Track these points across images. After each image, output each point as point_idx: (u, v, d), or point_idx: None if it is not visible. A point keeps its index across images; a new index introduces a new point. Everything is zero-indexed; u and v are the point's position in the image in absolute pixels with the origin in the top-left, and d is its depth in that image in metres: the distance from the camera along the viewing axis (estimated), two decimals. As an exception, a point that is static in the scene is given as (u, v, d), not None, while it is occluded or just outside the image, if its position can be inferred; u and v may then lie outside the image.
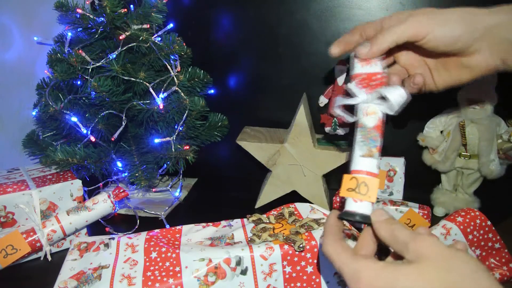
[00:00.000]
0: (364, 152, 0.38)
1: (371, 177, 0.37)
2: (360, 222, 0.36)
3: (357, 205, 0.37)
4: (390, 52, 0.45)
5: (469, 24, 0.40)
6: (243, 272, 0.50)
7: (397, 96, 0.38)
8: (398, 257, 0.34)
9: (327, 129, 0.82)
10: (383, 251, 0.36)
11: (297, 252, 0.50)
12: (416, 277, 0.30)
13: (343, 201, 0.38)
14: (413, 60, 0.48)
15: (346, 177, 0.39)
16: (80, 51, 0.70)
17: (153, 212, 0.78)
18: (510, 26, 0.40)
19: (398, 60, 0.49)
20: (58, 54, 0.72)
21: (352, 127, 0.83)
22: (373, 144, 0.38)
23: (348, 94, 0.41)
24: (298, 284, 0.51)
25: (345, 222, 0.56)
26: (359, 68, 0.41)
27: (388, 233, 0.34)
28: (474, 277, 0.29)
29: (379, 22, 0.45)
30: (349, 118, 0.43)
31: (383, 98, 0.39)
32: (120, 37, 0.71)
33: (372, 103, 0.39)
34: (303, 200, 0.80)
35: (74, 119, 0.70)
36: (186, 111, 0.74)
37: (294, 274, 0.51)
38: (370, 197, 0.37)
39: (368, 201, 0.37)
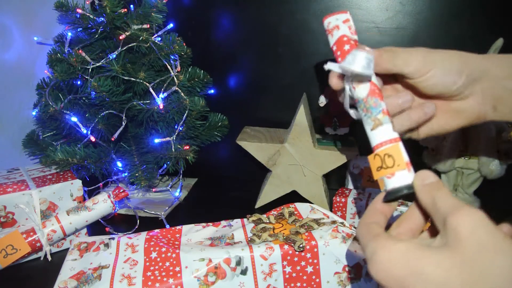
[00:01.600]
0: (372, 125, 0.35)
1: (390, 145, 0.33)
2: (407, 195, 0.32)
3: (392, 181, 0.33)
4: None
5: (467, 66, 0.38)
6: (243, 272, 0.50)
7: (363, 60, 0.35)
8: (435, 233, 0.28)
9: (327, 129, 0.82)
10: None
11: (297, 252, 0.50)
12: (447, 268, 0.24)
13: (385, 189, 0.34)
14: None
15: (370, 158, 0.35)
16: (80, 51, 0.70)
17: (153, 212, 0.78)
18: (503, 71, 0.38)
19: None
20: (58, 54, 0.72)
21: (351, 127, 0.83)
22: (376, 111, 0.35)
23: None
24: (298, 284, 0.51)
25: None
26: (330, 40, 0.39)
27: (429, 199, 0.29)
28: None
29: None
30: (354, 114, 0.39)
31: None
32: (120, 37, 0.71)
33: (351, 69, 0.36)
34: (303, 200, 0.80)
35: (74, 119, 0.70)
36: (186, 111, 0.74)
37: (294, 274, 0.51)
38: (400, 165, 0.32)
39: (400, 170, 0.33)
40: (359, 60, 0.34)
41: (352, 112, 0.38)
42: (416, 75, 0.37)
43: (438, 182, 0.30)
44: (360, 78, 0.36)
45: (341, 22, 0.39)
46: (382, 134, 0.34)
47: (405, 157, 0.33)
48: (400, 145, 0.34)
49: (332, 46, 0.40)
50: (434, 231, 0.30)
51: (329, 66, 0.36)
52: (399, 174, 0.33)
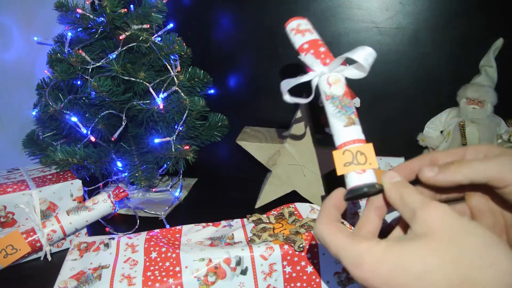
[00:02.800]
0: (346, 122, 0.35)
1: (363, 144, 0.34)
2: (371, 194, 0.33)
3: (361, 177, 0.33)
4: (461, 188, 0.35)
5: None
6: (243, 272, 0.50)
7: (367, 55, 0.36)
8: (406, 227, 0.30)
9: (327, 129, 0.82)
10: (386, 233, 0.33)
11: (297, 252, 0.50)
12: (424, 255, 0.26)
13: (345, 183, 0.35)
14: (485, 206, 0.35)
15: (337, 153, 0.36)
16: (80, 51, 0.70)
17: (153, 212, 0.78)
18: None
19: (468, 200, 0.37)
20: (58, 54, 0.72)
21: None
22: (350, 111, 0.36)
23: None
24: (298, 284, 0.51)
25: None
26: (300, 38, 0.39)
27: (398, 196, 0.30)
28: (489, 253, 0.25)
29: (462, 151, 0.35)
30: (302, 100, 0.39)
31: (344, 64, 0.36)
32: (120, 37, 0.71)
33: (333, 72, 0.36)
34: (303, 200, 0.80)
35: (74, 119, 0.70)
36: (186, 111, 0.74)
37: (294, 274, 0.51)
38: (371, 164, 0.34)
39: (371, 168, 0.34)
40: (370, 57, 0.36)
41: (288, 98, 0.40)
42: (499, 185, 0.31)
43: (404, 181, 0.32)
44: (339, 79, 0.36)
45: (311, 28, 0.41)
46: (355, 133, 0.35)
47: (375, 158, 0.34)
48: (372, 146, 0.35)
49: (303, 44, 0.40)
50: (405, 227, 0.31)
51: (336, 64, 0.36)
52: (369, 172, 0.34)
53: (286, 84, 0.39)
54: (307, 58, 0.38)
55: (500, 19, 0.78)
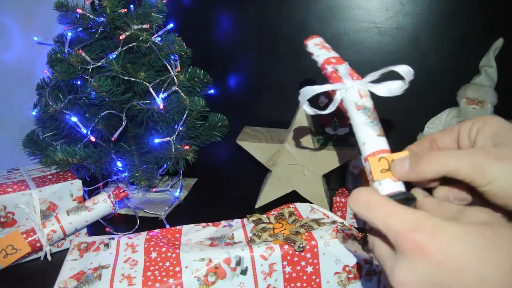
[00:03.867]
0: (378, 132, 0.36)
1: (396, 154, 0.35)
2: (408, 201, 0.33)
3: (397, 184, 0.33)
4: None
5: None
6: (243, 272, 0.50)
7: (410, 73, 0.35)
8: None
9: (327, 129, 0.82)
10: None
11: (297, 252, 0.50)
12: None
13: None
14: (460, 195, 0.33)
15: (372, 160, 0.35)
16: (80, 51, 0.70)
17: (153, 212, 0.78)
18: None
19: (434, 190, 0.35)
20: (58, 54, 0.72)
21: (351, 127, 0.83)
22: (379, 124, 0.37)
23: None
24: (298, 284, 0.51)
25: (345, 223, 0.56)
26: (325, 53, 0.40)
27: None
28: None
29: (456, 129, 0.34)
30: (321, 112, 0.39)
31: (374, 82, 0.37)
32: (120, 37, 0.71)
33: (365, 87, 0.37)
34: (303, 200, 0.80)
35: (74, 119, 0.70)
36: (186, 111, 0.74)
37: (294, 274, 0.51)
38: None
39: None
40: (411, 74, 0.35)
41: (307, 108, 0.40)
42: (475, 183, 0.29)
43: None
44: (367, 93, 0.38)
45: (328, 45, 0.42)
46: (386, 144, 0.36)
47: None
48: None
49: (330, 58, 0.41)
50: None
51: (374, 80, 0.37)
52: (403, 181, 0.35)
53: (309, 91, 0.38)
54: (339, 68, 0.38)
55: (500, 19, 0.78)
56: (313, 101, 0.83)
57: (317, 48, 0.41)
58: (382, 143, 0.36)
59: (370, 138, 0.36)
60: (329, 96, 0.80)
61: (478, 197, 0.31)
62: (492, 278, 0.24)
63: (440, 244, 0.24)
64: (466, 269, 0.24)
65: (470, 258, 0.24)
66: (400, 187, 0.33)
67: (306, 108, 0.39)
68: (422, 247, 0.25)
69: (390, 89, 0.38)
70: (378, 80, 0.38)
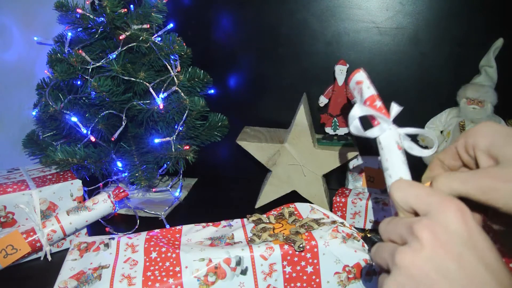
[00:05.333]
0: (409, 174, 0.37)
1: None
2: None
3: None
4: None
5: None
6: (243, 272, 0.50)
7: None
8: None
9: (327, 129, 0.82)
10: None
11: (297, 252, 0.50)
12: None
13: None
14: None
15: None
16: (80, 51, 0.70)
17: (153, 212, 0.78)
18: None
19: None
20: (58, 54, 0.72)
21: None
22: None
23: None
24: (298, 284, 0.51)
25: (346, 224, 0.56)
26: (373, 90, 0.41)
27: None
28: None
29: (453, 147, 0.35)
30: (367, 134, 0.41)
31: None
32: (120, 37, 0.71)
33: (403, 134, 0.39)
34: (303, 200, 0.80)
35: (74, 119, 0.70)
36: (186, 111, 0.74)
37: (294, 274, 0.51)
38: None
39: None
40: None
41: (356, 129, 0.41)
42: (488, 203, 0.30)
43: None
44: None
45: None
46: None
47: None
48: None
49: (376, 95, 0.41)
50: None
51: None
52: None
53: (357, 113, 0.39)
54: (393, 106, 0.40)
55: (500, 19, 0.78)
56: (314, 102, 0.83)
57: (368, 83, 0.42)
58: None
59: (408, 176, 0.37)
60: (329, 95, 0.80)
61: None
62: None
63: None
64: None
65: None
66: None
67: (353, 129, 0.40)
68: (459, 211, 0.27)
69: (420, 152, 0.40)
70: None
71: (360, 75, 0.42)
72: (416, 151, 0.39)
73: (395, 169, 0.37)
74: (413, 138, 0.84)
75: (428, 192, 0.29)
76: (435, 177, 0.32)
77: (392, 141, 0.39)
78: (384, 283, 0.28)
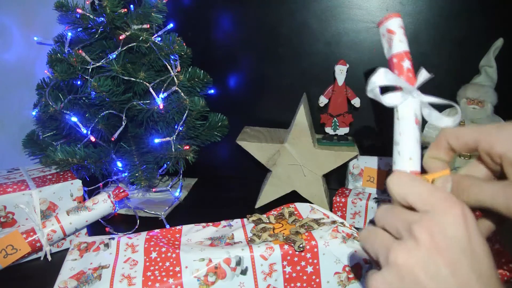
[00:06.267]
0: (422, 153, 0.35)
1: (437, 173, 0.34)
2: None
3: None
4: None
5: None
6: (243, 272, 0.50)
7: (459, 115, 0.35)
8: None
9: (327, 129, 0.82)
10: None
11: (297, 252, 0.50)
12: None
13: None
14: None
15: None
16: (80, 51, 0.70)
17: (153, 212, 0.78)
18: None
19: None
20: (58, 54, 0.72)
21: (351, 127, 0.83)
22: None
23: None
24: (298, 284, 0.51)
25: (345, 223, 0.56)
26: (406, 43, 0.36)
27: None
28: None
29: (473, 140, 0.32)
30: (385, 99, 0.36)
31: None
32: (120, 37, 0.71)
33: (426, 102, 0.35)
34: (303, 200, 0.80)
35: (74, 119, 0.70)
36: (186, 111, 0.74)
37: (294, 274, 0.51)
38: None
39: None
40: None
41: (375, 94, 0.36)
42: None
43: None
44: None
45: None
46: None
47: None
48: None
49: (408, 53, 0.37)
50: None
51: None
52: None
53: (378, 81, 0.34)
54: (422, 71, 0.35)
55: (500, 19, 0.78)
56: (314, 102, 0.83)
57: (402, 32, 0.36)
58: (421, 165, 0.34)
59: (418, 157, 0.34)
60: (329, 95, 0.80)
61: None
62: None
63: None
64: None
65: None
66: None
67: (370, 94, 0.35)
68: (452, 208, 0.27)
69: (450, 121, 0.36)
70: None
71: (395, 22, 0.36)
72: (435, 118, 0.35)
73: (406, 146, 0.34)
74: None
75: (430, 191, 0.28)
76: (467, 186, 0.30)
77: (411, 113, 0.35)
78: (372, 278, 0.28)
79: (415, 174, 0.34)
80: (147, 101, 0.73)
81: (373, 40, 0.84)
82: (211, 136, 0.84)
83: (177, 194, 0.85)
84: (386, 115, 0.90)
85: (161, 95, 0.73)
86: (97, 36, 0.73)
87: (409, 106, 0.35)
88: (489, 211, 0.30)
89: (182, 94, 0.74)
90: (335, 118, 0.80)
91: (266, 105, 0.93)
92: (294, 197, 0.81)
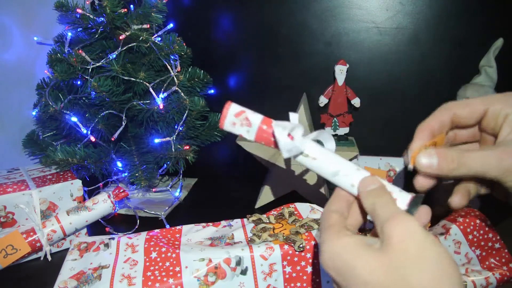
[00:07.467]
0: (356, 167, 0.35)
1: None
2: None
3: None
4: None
5: None
6: (243, 272, 0.50)
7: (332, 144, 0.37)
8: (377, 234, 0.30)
9: (327, 129, 0.82)
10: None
11: (297, 252, 0.50)
12: (372, 267, 0.26)
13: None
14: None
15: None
16: (80, 51, 0.70)
17: (153, 212, 0.78)
18: None
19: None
20: (58, 54, 0.72)
21: (351, 127, 0.83)
22: None
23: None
24: (298, 284, 0.51)
25: None
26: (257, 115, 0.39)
27: (371, 205, 0.30)
28: (441, 280, 0.25)
29: (480, 108, 0.34)
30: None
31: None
32: (120, 37, 0.71)
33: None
34: (303, 200, 0.80)
35: (74, 119, 0.70)
36: (186, 111, 0.74)
37: (294, 274, 0.51)
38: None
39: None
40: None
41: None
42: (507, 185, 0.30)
43: (380, 188, 0.31)
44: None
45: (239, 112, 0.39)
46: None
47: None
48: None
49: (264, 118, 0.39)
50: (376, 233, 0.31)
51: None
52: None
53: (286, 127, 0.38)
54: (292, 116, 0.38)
55: (500, 19, 0.78)
56: (314, 102, 0.83)
57: (241, 108, 0.39)
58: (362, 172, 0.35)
59: (351, 167, 0.35)
60: (329, 95, 0.80)
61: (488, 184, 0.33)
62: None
63: (333, 270, 0.30)
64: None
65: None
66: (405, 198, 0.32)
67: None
68: (325, 268, 0.30)
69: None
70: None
71: (236, 107, 0.38)
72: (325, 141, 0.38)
73: (344, 165, 0.35)
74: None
75: (384, 206, 0.30)
76: (454, 155, 0.31)
77: (316, 147, 0.38)
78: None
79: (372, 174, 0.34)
80: (147, 101, 0.73)
81: (373, 40, 0.84)
82: (211, 136, 0.84)
83: (177, 194, 0.85)
84: (386, 115, 0.90)
85: (161, 95, 0.73)
86: (97, 36, 0.73)
87: (310, 144, 0.37)
88: (481, 180, 0.31)
89: (182, 94, 0.74)
90: (335, 118, 0.80)
91: (266, 105, 0.93)
92: (294, 197, 0.81)
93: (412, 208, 0.31)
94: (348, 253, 0.28)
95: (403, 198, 0.32)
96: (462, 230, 0.58)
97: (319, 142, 0.38)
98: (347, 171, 0.34)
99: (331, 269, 0.29)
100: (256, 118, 0.38)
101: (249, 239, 0.54)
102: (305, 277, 0.51)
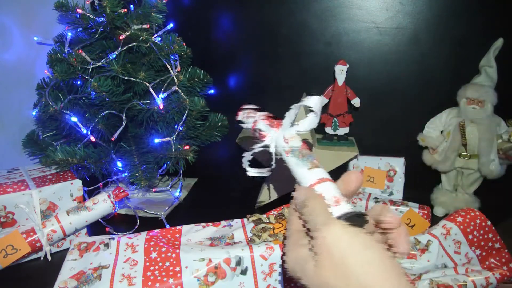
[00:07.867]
0: (309, 166, 0.38)
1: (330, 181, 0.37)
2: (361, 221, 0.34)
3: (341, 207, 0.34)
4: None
5: None
6: (243, 272, 0.50)
7: (318, 103, 0.41)
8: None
9: (327, 129, 0.82)
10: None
11: (297, 252, 0.50)
12: (310, 276, 0.30)
13: None
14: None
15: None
16: (80, 51, 0.70)
17: (153, 212, 0.78)
18: None
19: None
20: (58, 54, 0.72)
21: (351, 127, 0.83)
22: (311, 158, 0.39)
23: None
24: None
25: None
26: (251, 121, 0.46)
27: (303, 217, 0.33)
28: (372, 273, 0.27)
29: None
30: (266, 172, 0.46)
31: (294, 123, 0.41)
32: (120, 37, 0.71)
33: (288, 132, 0.42)
34: (303, 200, 0.80)
35: (74, 119, 0.70)
36: (186, 111, 0.74)
37: (294, 274, 0.51)
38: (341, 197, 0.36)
39: (344, 201, 0.35)
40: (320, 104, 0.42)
41: (252, 172, 0.48)
42: None
43: (309, 199, 0.33)
44: (293, 135, 0.42)
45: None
46: (319, 173, 0.37)
47: (338, 193, 0.35)
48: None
49: (255, 121, 0.47)
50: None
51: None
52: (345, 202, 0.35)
53: (247, 158, 0.43)
54: (260, 125, 0.44)
55: (500, 19, 0.78)
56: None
57: (245, 120, 0.46)
58: (314, 174, 0.37)
59: (303, 175, 0.38)
60: (329, 95, 0.80)
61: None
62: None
63: (288, 269, 0.33)
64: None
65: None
66: (346, 208, 0.33)
67: (251, 172, 0.46)
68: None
69: (310, 121, 0.43)
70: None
71: (246, 109, 0.46)
72: (305, 126, 0.43)
73: (295, 175, 0.38)
74: (414, 138, 0.84)
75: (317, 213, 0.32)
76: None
77: (281, 151, 0.41)
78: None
79: (311, 186, 0.36)
80: (147, 101, 0.73)
81: (373, 40, 0.84)
82: (211, 136, 0.84)
83: (177, 194, 0.85)
84: (385, 115, 0.90)
85: (161, 95, 0.73)
86: (97, 36, 0.73)
87: (277, 150, 0.42)
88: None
89: (182, 94, 0.74)
90: (335, 118, 0.80)
91: (266, 105, 0.93)
92: (294, 197, 0.81)
93: (349, 215, 0.32)
94: (297, 264, 0.32)
95: (339, 208, 0.33)
96: (462, 230, 0.58)
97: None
98: (301, 176, 0.37)
99: (291, 272, 0.33)
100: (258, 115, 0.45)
101: (249, 239, 0.54)
102: (305, 277, 0.51)
